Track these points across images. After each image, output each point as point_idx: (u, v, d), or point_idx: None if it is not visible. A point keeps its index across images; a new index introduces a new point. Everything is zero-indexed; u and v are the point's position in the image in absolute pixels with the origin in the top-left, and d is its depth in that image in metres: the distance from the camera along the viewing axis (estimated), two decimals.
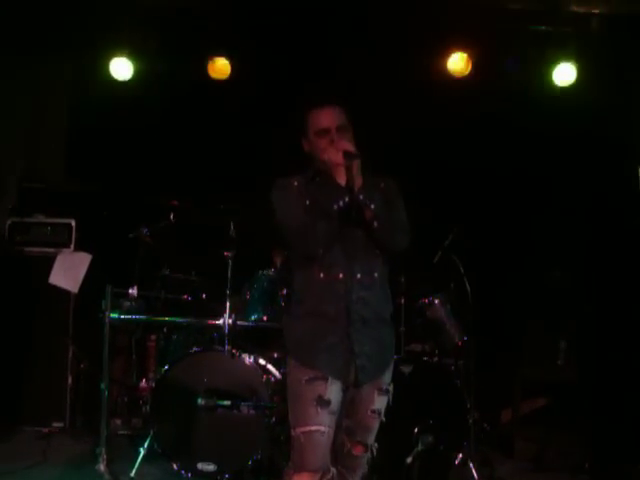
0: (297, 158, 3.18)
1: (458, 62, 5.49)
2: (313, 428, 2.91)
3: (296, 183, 3.09)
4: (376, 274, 3.04)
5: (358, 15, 5.18)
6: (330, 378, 2.93)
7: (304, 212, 2.96)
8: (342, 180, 2.93)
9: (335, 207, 2.91)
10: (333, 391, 2.94)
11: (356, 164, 2.93)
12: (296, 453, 2.97)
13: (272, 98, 5.61)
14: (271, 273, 4.54)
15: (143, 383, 4.52)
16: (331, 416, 2.94)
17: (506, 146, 5.66)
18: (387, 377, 3.07)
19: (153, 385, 4.36)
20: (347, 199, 2.90)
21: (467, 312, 4.53)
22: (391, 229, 2.99)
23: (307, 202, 2.99)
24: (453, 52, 5.49)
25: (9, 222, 5.32)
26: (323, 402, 2.91)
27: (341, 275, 2.97)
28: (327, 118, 3.10)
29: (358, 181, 2.93)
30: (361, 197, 2.92)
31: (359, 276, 2.99)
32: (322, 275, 2.99)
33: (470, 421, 4.40)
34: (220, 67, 5.63)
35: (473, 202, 5.59)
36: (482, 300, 4.58)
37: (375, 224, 2.95)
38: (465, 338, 4.58)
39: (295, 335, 3.05)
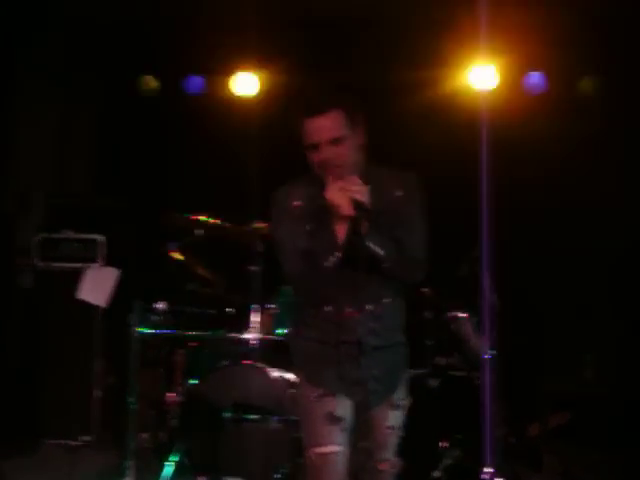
0: None
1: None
2: (327, 450, 2.77)
3: (296, 202, 2.78)
4: (387, 300, 2.84)
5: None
6: (339, 395, 2.80)
7: (302, 243, 2.69)
8: (342, 232, 2.63)
9: (329, 264, 2.64)
10: (343, 407, 2.81)
11: (364, 215, 2.60)
12: (310, 476, 2.84)
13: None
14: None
15: (170, 397, 4.53)
16: (344, 433, 2.81)
17: (532, 156, 5.64)
18: (400, 393, 2.94)
19: (181, 399, 4.38)
20: (343, 254, 2.64)
21: (492, 325, 4.52)
22: (402, 268, 2.77)
23: (306, 227, 2.71)
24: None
25: (38, 238, 5.40)
26: (334, 419, 2.79)
27: (349, 309, 2.78)
28: (316, 130, 2.68)
29: (365, 229, 2.63)
30: (366, 248, 2.65)
31: (368, 307, 2.79)
32: (328, 308, 2.80)
33: (497, 435, 4.37)
34: (243, 83, 5.69)
35: (497, 213, 5.58)
36: (506, 312, 4.56)
37: (383, 265, 2.72)
38: (491, 351, 4.56)
39: (303, 354, 2.93)
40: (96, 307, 5.17)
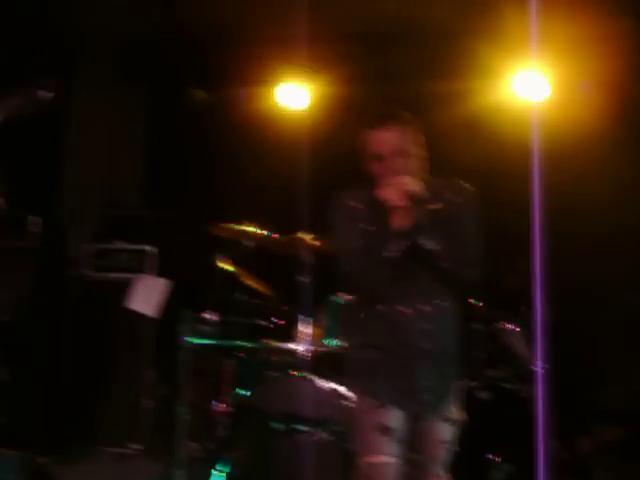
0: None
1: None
2: (378, 460, 2.80)
3: (353, 204, 2.88)
4: (442, 304, 2.88)
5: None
6: (391, 406, 2.82)
7: (359, 242, 2.77)
8: (397, 222, 2.72)
9: (387, 254, 2.72)
10: (396, 419, 2.82)
11: (419, 207, 2.71)
12: None
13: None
14: (346, 299, 4.56)
15: (219, 407, 4.56)
16: (396, 444, 2.82)
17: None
18: (453, 407, 2.93)
19: (230, 409, 4.41)
20: (400, 245, 2.71)
21: (543, 337, 4.47)
22: (457, 265, 2.81)
23: (364, 228, 2.80)
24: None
25: (89, 248, 5.48)
26: (386, 430, 2.80)
27: (403, 308, 2.83)
28: (382, 142, 2.79)
29: (420, 220, 2.72)
30: (421, 240, 2.73)
31: (422, 308, 2.84)
32: (383, 308, 2.85)
33: (547, 450, 4.31)
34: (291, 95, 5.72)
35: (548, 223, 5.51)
36: (557, 324, 4.51)
37: (437, 263, 2.78)
38: (540, 364, 4.51)
39: (355, 364, 2.96)
40: (146, 317, 5.23)
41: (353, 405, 2.94)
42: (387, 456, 2.79)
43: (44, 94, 2.79)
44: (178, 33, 5.71)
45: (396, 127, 2.80)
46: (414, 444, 2.88)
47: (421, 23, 5.45)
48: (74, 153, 5.96)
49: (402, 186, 2.70)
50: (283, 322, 4.59)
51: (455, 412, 2.94)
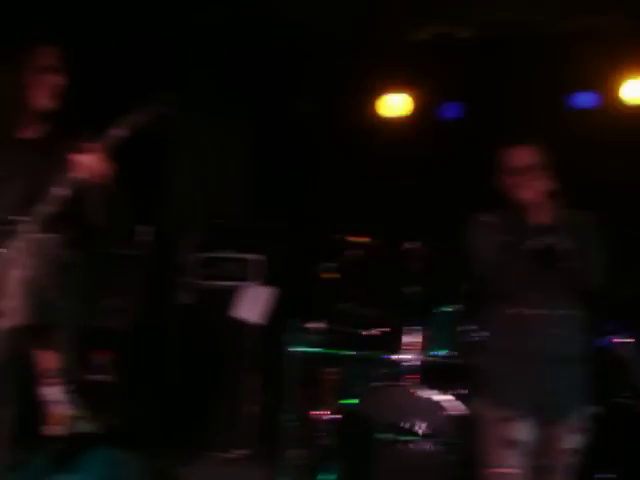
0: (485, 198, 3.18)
1: None
2: (504, 471, 2.89)
3: (489, 220, 3.10)
4: (570, 311, 3.00)
5: None
6: (521, 417, 2.90)
7: (497, 249, 2.97)
8: (536, 219, 2.96)
9: (528, 247, 2.91)
10: (524, 431, 2.91)
11: (554, 202, 2.95)
12: None
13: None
14: (451, 309, 4.51)
15: (324, 415, 4.58)
16: (522, 457, 2.91)
17: None
18: (580, 416, 3.01)
19: (335, 418, 4.43)
20: (541, 238, 2.91)
21: None
22: (586, 268, 2.96)
23: (500, 239, 2.99)
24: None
25: (197, 257, 5.61)
26: (514, 443, 2.89)
27: (535, 312, 2.96)
28: (521, 157, 3.09)
29: (556, 219, 2.94)
30: (558, 236, 2.91)
31: (553, 313, 2.96)
32: (515, 311, 2.98)
33: None
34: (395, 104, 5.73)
35: None
36: None
37: (571, 264, 2.92)
38: None
39: (485, 372, 3.06)
40: (252, 325, 5.31)
41: (481, 415, 3.04)
42: (515, 469, 2.90)
43: (165, 110, 2.89)
44: (281, 44, 5.79)
45: (532, 147, 3.11)
46: (540, 450, 2.97)
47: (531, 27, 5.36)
48: (183, 165, 6.12)
49: (539, 186, 2.98)
50: (389, 332, 4.58)
51: (584, 421, 3.01)
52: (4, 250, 2.77)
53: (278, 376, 4.66)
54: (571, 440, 2.99)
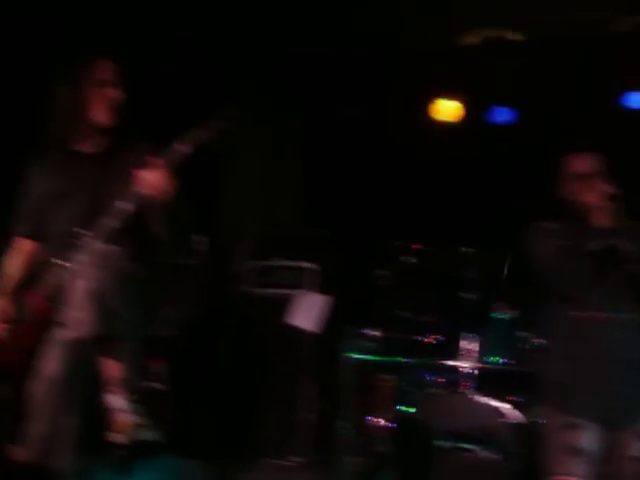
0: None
1: None
2: (568, 479, 2.87)
3: (551, 225, 3.13)
4: (633, 314, 2.98)
5: None
6: (585, 424, 2.89)
7: (560, 252, 2.99)
8: (599, 222, 2.99)
9: (591, 249, 2.94)
10: (588, 438, 2.89)
11: (616, 206, 2.98)
12: None
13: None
14: (507, 315, 4.48)
15: (381, 423, 4.59)
16: (586, 465, 2.89)
17: None
18: None
19: (391, 425, 4.43)
20: (603, 241, 2.93)
21: None
22: None
23: (563, 243, 3.01)
24: None
25: (251, 265, 5.66)
26: (578, 451, 2.87)
27: (599, 315, 2.96)
28: (585, 163, 3.17)
29: (618, 222, 2.97)
30: (621, 239, 2.93)
31: (617, 316, 2.95)
32: (579, 315, 2.98)
33: None
34: (449, 109, 5.71)
35: None
36: None
37: (633, 266, 2.93)
38: None
39: (549, 378, 3.05)
40: (307, 332, 5.33)
41: (545, 422, 3.05)
42: (577, 477, 2.88)
43: (227, 126, 2.92)
44: (331, 51, 5.81)
45: (594, 155, 3.19)
46: (605, 457, 2.95)
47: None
48: (235, 175, 6.18)
49: (602, 189, 3.05)
50: (445, 338, 4.56)
51: None
52: (69, 262, 2.83)
53: (334, 383, 4.67)
54: (637, 447, 2.95)
